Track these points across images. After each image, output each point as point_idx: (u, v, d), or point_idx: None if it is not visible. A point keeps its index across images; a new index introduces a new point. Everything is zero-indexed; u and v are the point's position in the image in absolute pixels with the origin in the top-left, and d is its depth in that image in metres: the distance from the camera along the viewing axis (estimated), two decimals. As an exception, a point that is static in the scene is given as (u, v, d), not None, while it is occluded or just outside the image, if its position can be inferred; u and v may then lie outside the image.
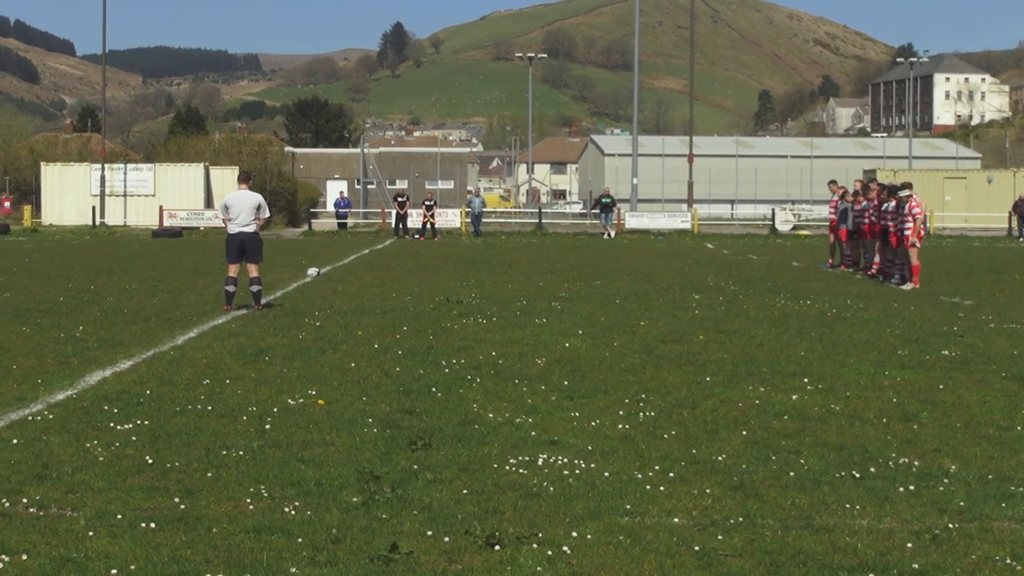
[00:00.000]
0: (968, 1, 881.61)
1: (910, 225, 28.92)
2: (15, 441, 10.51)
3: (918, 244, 29.03)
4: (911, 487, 9.09)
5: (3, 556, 7.27)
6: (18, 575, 6.99)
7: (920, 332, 18.99)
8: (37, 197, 75.04)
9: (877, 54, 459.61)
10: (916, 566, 7.22)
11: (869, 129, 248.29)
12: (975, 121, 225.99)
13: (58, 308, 22.36)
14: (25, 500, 8.59)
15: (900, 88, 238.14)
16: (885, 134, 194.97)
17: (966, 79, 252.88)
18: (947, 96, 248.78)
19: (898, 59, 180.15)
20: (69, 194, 73.64)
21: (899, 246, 29.64)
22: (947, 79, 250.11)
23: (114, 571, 7.03)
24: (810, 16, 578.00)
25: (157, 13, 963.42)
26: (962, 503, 8.68)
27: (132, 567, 7.12)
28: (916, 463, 9.92)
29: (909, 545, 7.66)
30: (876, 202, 31.96)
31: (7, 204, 75.91)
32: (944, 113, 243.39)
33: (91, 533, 7.79)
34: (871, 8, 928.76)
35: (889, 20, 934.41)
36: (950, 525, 8.11)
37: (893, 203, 30.29)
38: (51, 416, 11.68)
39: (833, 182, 38.28)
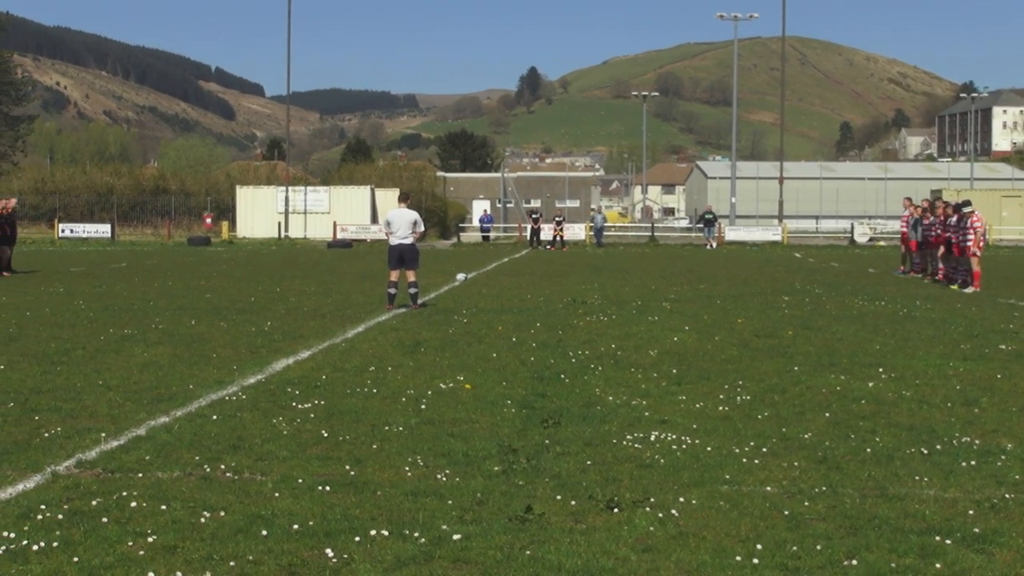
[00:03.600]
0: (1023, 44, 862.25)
1: (972, 237, 28.52)
2: (214, 417, 10.67)
3: (979, 253, 28.56)
4: (972, 462, 8.92)
5: (205, 512, 7.39)
6: (217, 528, 7.10)
7: (980, 329, 18.64)
8: (233, 214, 76.19)
9: (943, 90, 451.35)
10: (977, 530, 7.08)
11: (936, 155, 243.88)
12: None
13: (250, 307, 22.68)
14: (223, 466, 8.71)
15: (963, 119, 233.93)
16: (950, 159, 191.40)
17: (1021, 111, 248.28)
18: (1004, 126, 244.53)
19: (961, 94, 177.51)
20: (259, 211, 74.83)
21: (961, 255, 29.20)
22: (1004, 111, 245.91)
23: (295, 526, 7.11)
24: (885, 58, 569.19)
25: (332, 59, 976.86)
26: (1017, 476, 8.49)
27: (310, 523, 7.19)
28: (977, 442, 9.73)
29: (971, 512, 7.51)
30: (942, 217, 31.50)
31: (208, 220, 77.13)
32: (1002, 140, 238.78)
33: (276, 494, 7.88)
34: (938, 50, 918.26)
35: (954, 61, 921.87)
36: (1007, 496, 7.94)
37: (955, 218, 29.91)
38: (244, 397, 11.83)
39: (908, 199, 37.65)
